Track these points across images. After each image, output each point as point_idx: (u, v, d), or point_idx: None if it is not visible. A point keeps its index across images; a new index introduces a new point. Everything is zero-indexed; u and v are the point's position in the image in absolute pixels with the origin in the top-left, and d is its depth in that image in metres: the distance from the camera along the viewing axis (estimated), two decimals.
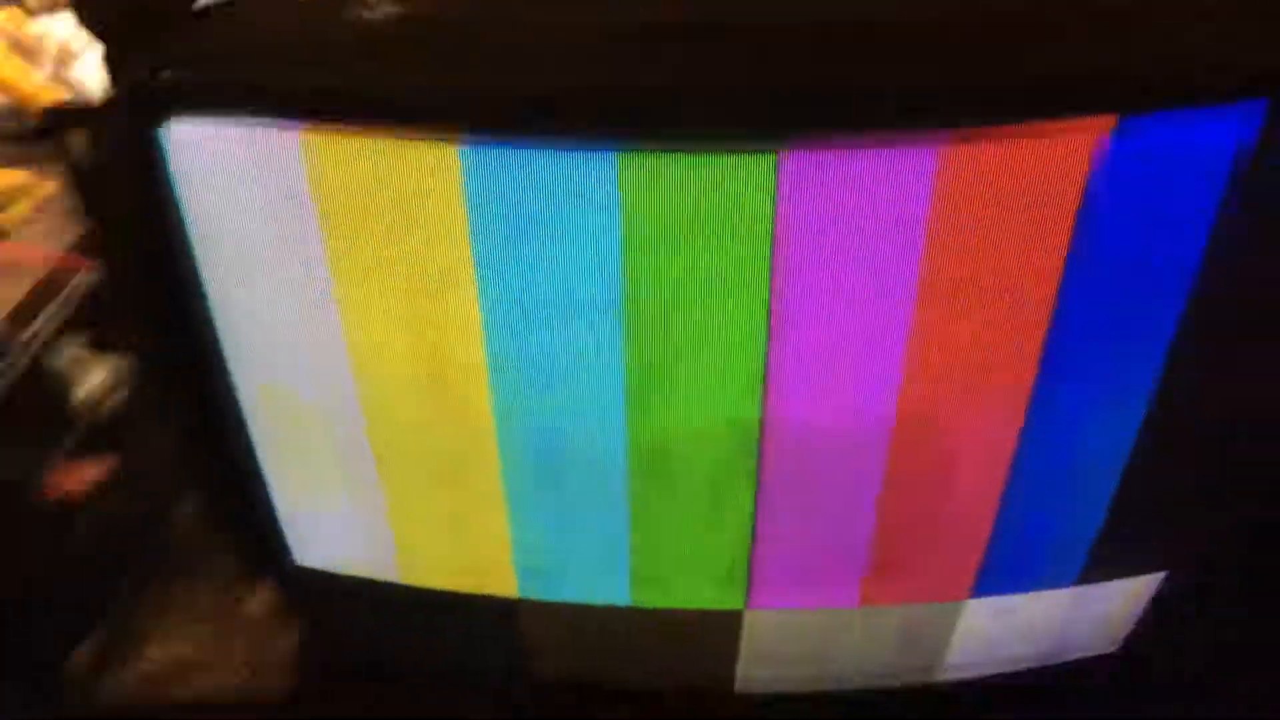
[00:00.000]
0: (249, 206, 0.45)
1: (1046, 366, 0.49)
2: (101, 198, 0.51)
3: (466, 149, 0.43)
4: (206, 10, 0.47)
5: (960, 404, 0.50)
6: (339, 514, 0.56)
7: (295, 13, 0.46)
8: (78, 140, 0.50)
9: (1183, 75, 0.42)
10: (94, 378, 1.09)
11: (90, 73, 1.23)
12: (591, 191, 0.43)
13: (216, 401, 0.52)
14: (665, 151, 0.42)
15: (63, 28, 1.37)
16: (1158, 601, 0.62)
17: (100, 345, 1.11)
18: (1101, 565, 0.58)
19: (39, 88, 1.18)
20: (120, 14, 0.46)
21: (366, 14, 0.43)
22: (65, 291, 1.09)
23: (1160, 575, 0.61)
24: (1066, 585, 0.59)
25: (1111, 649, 0.66)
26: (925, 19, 0.42)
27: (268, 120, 0.43)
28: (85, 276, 1.11)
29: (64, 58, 1.27)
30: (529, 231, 0.44)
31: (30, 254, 1.07)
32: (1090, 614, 0.62)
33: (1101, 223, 0.43)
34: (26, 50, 1.19)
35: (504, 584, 0.58)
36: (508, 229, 0.44)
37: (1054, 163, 0.42)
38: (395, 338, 0.48)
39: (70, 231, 1.09)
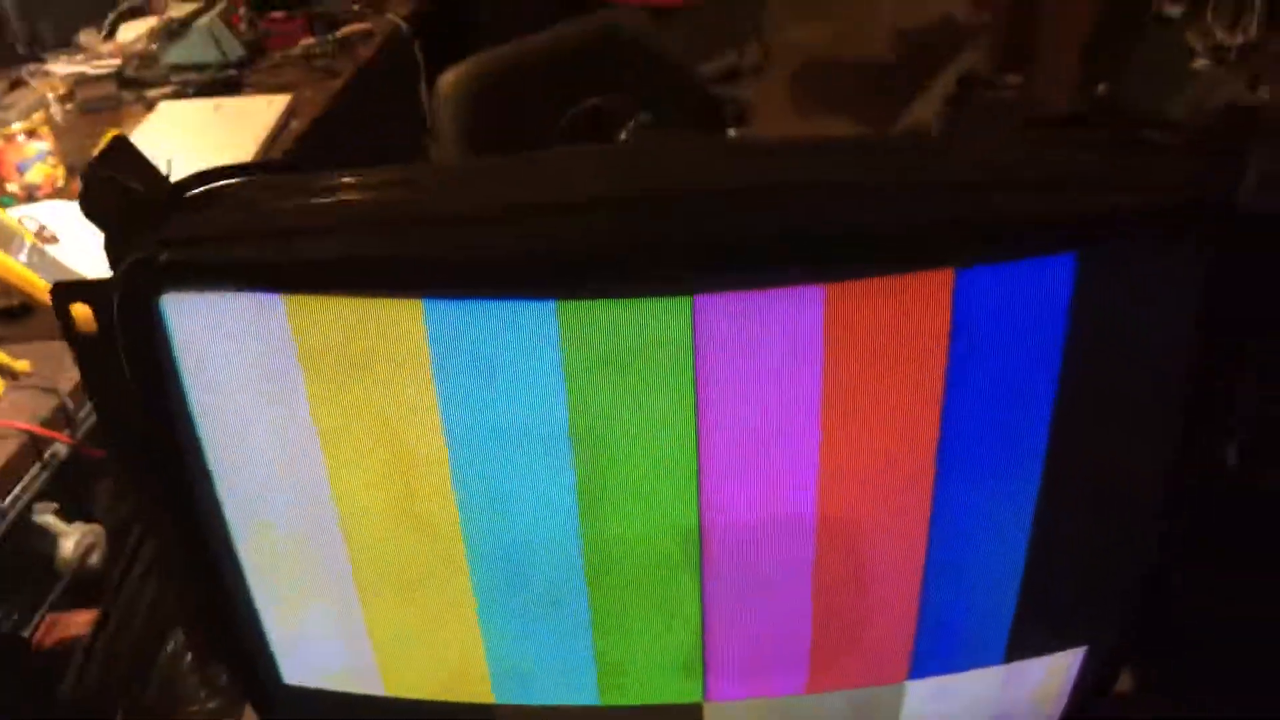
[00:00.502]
0: (239, 362, 0.52)
1: (942, 469, 0.56)
2: (101, 360, 0.57)
3: (429, 303, 0.50)
4: (190, 200, 0.55)
5: (873, 504, 0.57)
6: (323, 634, 0.61)
7: (271, 199, 0.54)
8: (80, 312, 0.57)
9: (1004, 234, 0.50)
10: (70, 540, 1.14)
11: (68, 255, 1.31)
12: (537, 334, 0.50)
13: (211, 537, 0.58)
14: (598, 299, 0.50)
15: (42, 213, 1.46)
16: (1083, 676, 0.68)
17: (74, 511, 1.16)
18: (1024, 644, 0.64)
19: (13, 271, 1.24)
20: (117, 206, 0.53)
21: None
22: (44, 460, 1.16)
23: (1081, 650, 0.66)
24: (996, 664, 0.65)
25: None
26: (800, 182, 0.50)
27: (251, 290, 0.50)
28: (60, 447, 1.17)
29: (43, 241, 1.35)
30: (485, 369, 0.51)
31: (8, 426, 1.13)
32: (1024, 692, 0.67)
33: (970, 349, 0.51)
34: (2, 237, 1.26)
35: (480, 691, 0.63)
36: (467, 368, 0.51)
37: (919, 298, 0.49)
38: (371, 469, 0.55)
39: (44, 406, 1.16)
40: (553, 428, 0.53)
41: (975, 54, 3.67)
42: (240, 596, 0.60)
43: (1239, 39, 1.40)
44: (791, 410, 0.53)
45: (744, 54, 3.50)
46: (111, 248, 0.53)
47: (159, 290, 0.51)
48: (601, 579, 0.58)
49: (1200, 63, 1.42)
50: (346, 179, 0.52)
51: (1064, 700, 0.69)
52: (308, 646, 0.62)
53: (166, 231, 0.52)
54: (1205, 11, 1.49)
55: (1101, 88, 1.66)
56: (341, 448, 0.54)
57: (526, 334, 0.50)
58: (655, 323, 0.50)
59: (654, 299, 0.50)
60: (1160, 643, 0.72)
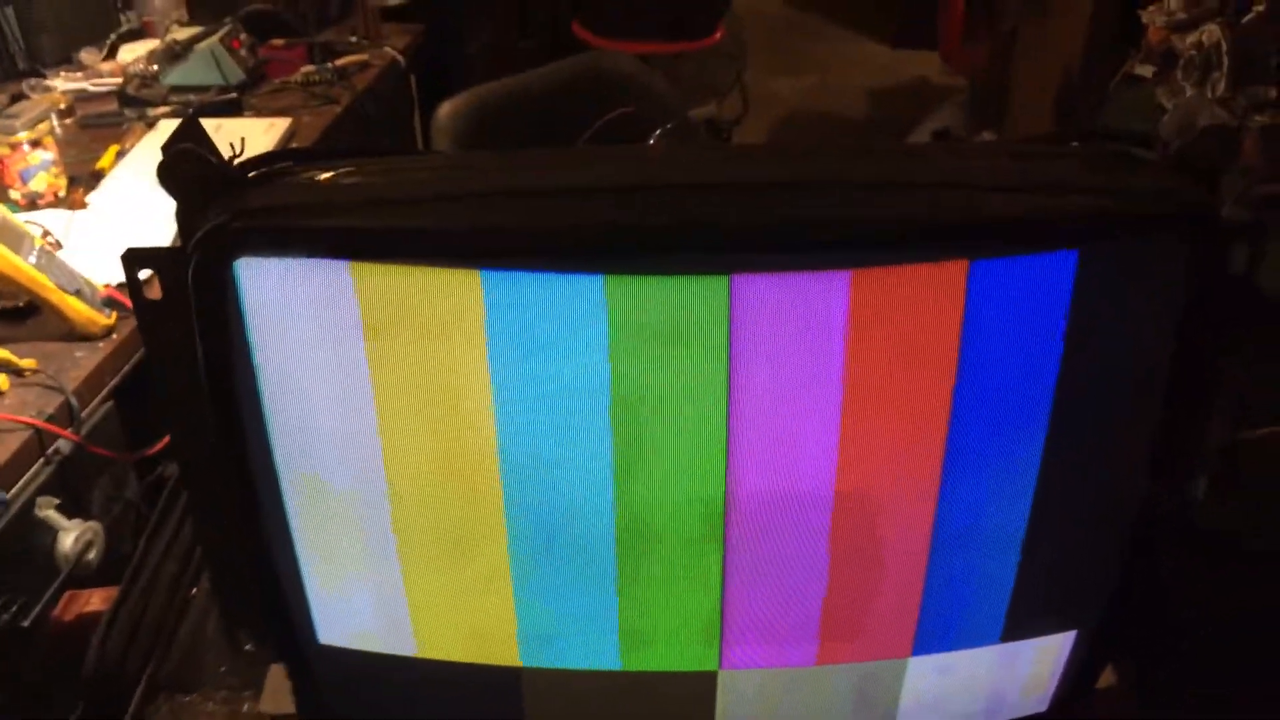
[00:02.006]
0: (304, 323, 0.56)
1: (950, 449, 0.60)
2: (163, 323, 0.61)
3: (486, 273, 0.54)
4: (259, 176, 0.59)
5: (886, 482, 0.61)
6: (363, 593, 0.64)
7: (336, 176, 0.58)
8: (147, 278, 0.61)
9: (1015, 231, 0.55)
10: (70, 535, 1.17)
11: (74, 259, 1.34)
12: (586, 305, 0.54)
13: (262, 493, 0.61)
14: (644, 274, 0.54)
15: (45, 220, 1.49)
16: (1071, 662, 0.72)
17: (74, 509, 1.18)
18: (1019, 625, 0.68)
19: (23, 271, 1.27)
20: (195, 177, 0.57)
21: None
22: (47, 456, 1.18)
23: (1071, 635, 0.70)
24: (993, 643, 0.69)
25: (1042, 709, 0.75)
26: (833, 178, 0.55)
27: (322, 257, 0.54)
28: (64, 443, 1.19)
29: (50, 246, 1.37)
30: (536, 337, 0.55)
31: (13, 421, 1.16)
32: (1018, 672, 0.71)
33: (981, 335, 0.56)
34: (13, 238, 1.28)
35: (508, 653, 0.66)
36: (518, 337, 0.55)
37: (936, 285, 0.54)
38: (421, 431, 0.58)
39: (49, 403, 1.18)
40: (595, 396, 0.57)
41: (950, 111, 3.80)
42: (285, 554, 0.63)
43: (1208, 95, 1.48)
44: (816, 387, 0.57)
45: (723, 105, 3.61)
46: (186, 216, 0.57)
47: (234, 254, 0.55)
48: (631, 546, 0.61)
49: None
50: (415, 160, 0.56)
51: (1053, 685, 0.73)
52: (346, 606, 0.65)
53: (242, 202, 0.56)
54: (1175, 70, 1.58)
55: (1075, 146, 1.75)
56: (395, 409, 0.58)
57: (576, 305, 0.54)
58: (695, 299, 0.54)
59: (695, 276, 0.54)
60: (1148, 637, 0.77)
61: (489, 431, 0.58)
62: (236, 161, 0.59)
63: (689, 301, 0.55)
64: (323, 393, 0.58)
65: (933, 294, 0.55)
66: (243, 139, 0.59)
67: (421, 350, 0.56)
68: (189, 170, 0.56)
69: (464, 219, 0.54)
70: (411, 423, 0.58)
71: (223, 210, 0.55)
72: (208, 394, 0.59)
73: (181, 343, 0.59)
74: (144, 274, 0.60)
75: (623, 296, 0.54)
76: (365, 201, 0.55)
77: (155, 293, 0.61)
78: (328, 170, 0.57)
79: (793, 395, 0.57)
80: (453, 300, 0.55)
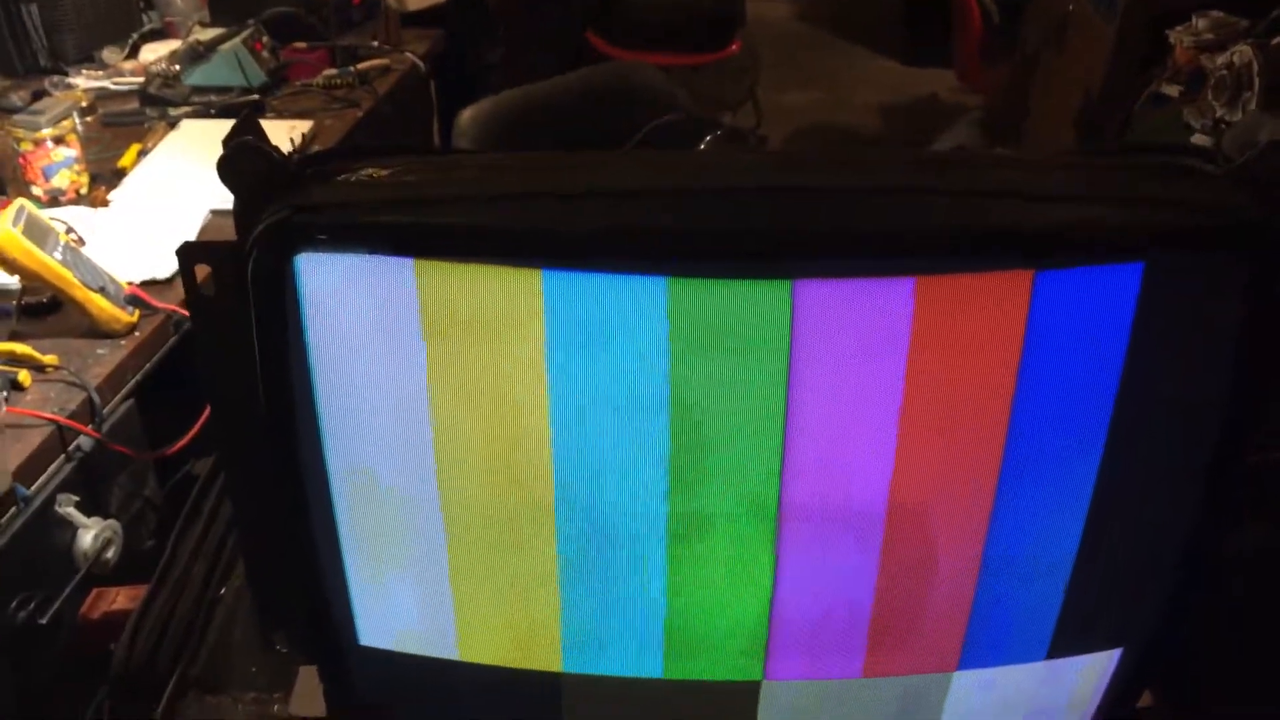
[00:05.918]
0: (363, 317, 0.55)
1: (1007, 463, 0.59)
2: (216, 317, 0.60)
3: (548, 273, 0.53)
4: (320, 171, 0.58)
5: (941, 494, 0.60)
6: (407, 592, 0.63)
7: (398, 173, 0.57)
8: (202, 273, 0.60)
9: (1082, 242, 0.55)
10: (89, 533, 1.16)
11: (96, 256, 1.34)
12: (646, 308, 0.54)
13: (311, 489, 0.60)
14: (706, 278, 0.54)
15: (67, 217, 1.49)
16: (1115, 680, 0.71)
17: (93, 507, 1.18)
18: (1065, 641, 0.67)
19: (49, 267, 1.26)
20: (256, 171, 0.56)
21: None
22: (68, 452, 1.18)
23: (1116, 653, 0.70)
24: (1039, 659, 0.68)
25: None
26: (899, 185, 0.55)
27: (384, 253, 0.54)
28: (85, 440, 1.19)
29: (76, 243, 1.37)
30: (595, 338, 0.54)
31: (35, 417, 1.15)
32: (1063, 688, 0.71)
33: (1043, 346, 0.55)
34: (39, 233, 1.28)
35: (550, 659, 0.65)
36: (577, 338, 0.55)
37: (1000, 295, 0.54)
38: (475, 429, 0.58)
39: (70, 400, 1.18)
40: (653, 398, 0.56)
41: (964, 129, 3.80)
42: (330, 553, 0.62)
43: (1239, 115, 1.48)
44: (875, 395, 0.57)
45: (736, 117, 3.62)
46: (246, 210, 0.56)
47: (295, 249, 0.54)
48: (681, 550, 0.61)
49: (1199, 138, 1.51)
50: (473, 158, 0.56)
51: (1095, 703, 0.72)
52: (389, 606, 0.65)
53: (303, 197, 0.55)
54: (1204, 89, 1.58)
55: (1130, 157, 1.76)
56: (449, 406, 0.57)
57: (638, 307, 0.54)
58: (757, 303, 0.54)
59: (758, 281, 0.54)
60: (1188, 657, 0.76)
61: (543, 432, 0.57)
62: (295, 158, 0.59)
63: (751, 306, 0.54)
64: (378, 389, 0.57)
65: (997, 303, 0.55)
66: (303, 134, 0.58)
67: (479, 349, 0.56)
68: (249, 164, 0.56)
69: (529, 218, 0.54)
70: (466, 421, 0.58)
71: (283, 205, 0.54)
72: (262, 388, 0.58)
73: (234, 337, 0.59)
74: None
75: (685, 299, 0.54)
76: (429, 198, 0.55)
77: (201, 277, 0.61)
78: (386, 167, 0.57)
79: (851, 402, 0.57)
80: (513, 299, 0.54)
